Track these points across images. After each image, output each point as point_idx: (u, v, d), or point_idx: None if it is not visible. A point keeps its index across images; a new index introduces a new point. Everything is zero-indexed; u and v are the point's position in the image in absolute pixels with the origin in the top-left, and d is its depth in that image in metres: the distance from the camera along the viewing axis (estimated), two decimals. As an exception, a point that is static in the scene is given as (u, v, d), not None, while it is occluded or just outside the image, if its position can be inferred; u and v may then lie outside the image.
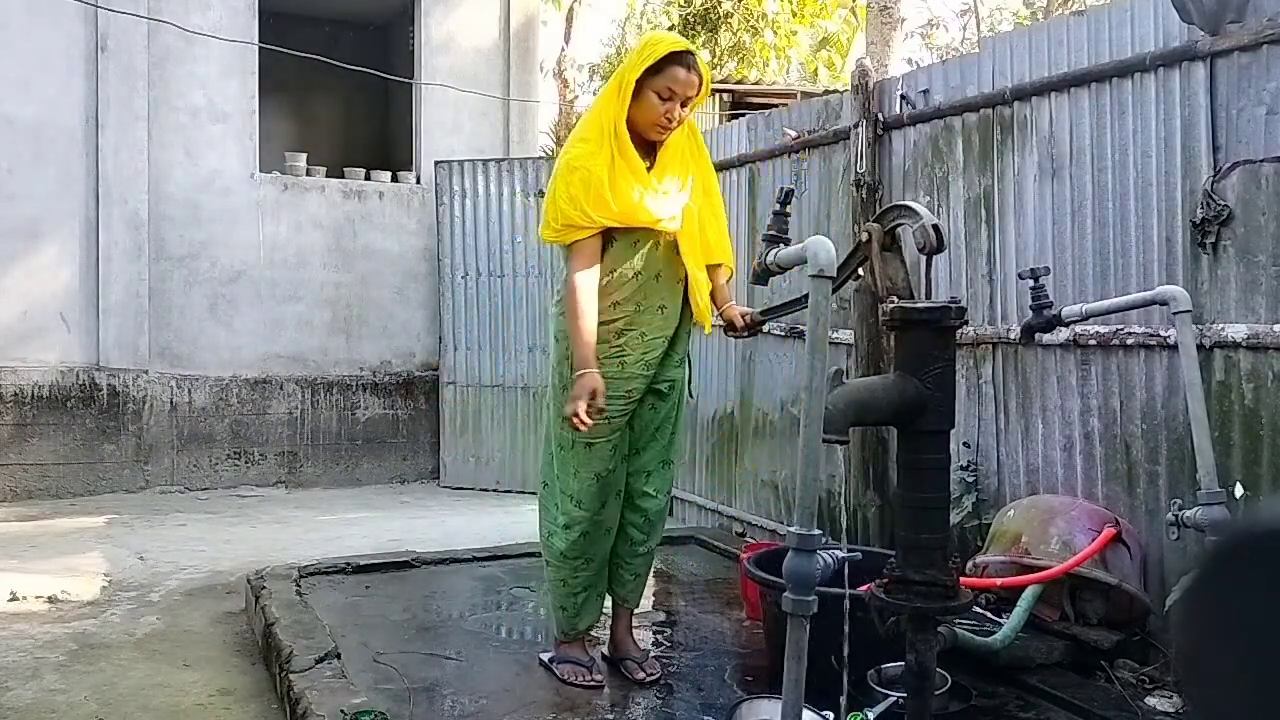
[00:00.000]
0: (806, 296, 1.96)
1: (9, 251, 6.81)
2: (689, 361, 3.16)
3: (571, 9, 17.02)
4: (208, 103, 7.38)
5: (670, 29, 14.62)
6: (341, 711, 2.69)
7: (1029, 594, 3.04)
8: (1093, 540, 3.01)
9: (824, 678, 2.35)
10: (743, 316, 3.03)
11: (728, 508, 5.33)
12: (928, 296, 2.26)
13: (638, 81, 2.79)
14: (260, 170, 7.58)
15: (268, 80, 7.69)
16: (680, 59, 2.79)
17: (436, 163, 7.69)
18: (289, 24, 8.09)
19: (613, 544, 3.10)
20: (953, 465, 2.71)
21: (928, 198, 3.98)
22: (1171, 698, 2.82)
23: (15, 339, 6.82)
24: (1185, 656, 0.55)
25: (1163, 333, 3.11)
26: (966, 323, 2.45)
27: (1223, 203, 2.96)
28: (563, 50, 17.27)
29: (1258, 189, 2.89)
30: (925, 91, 4.05)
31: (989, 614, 3.19)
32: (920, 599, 2.09)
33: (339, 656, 3.16)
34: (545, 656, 3.18)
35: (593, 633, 3.21)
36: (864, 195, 4.20)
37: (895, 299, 2.17)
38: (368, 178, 8.03)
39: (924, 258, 2.21)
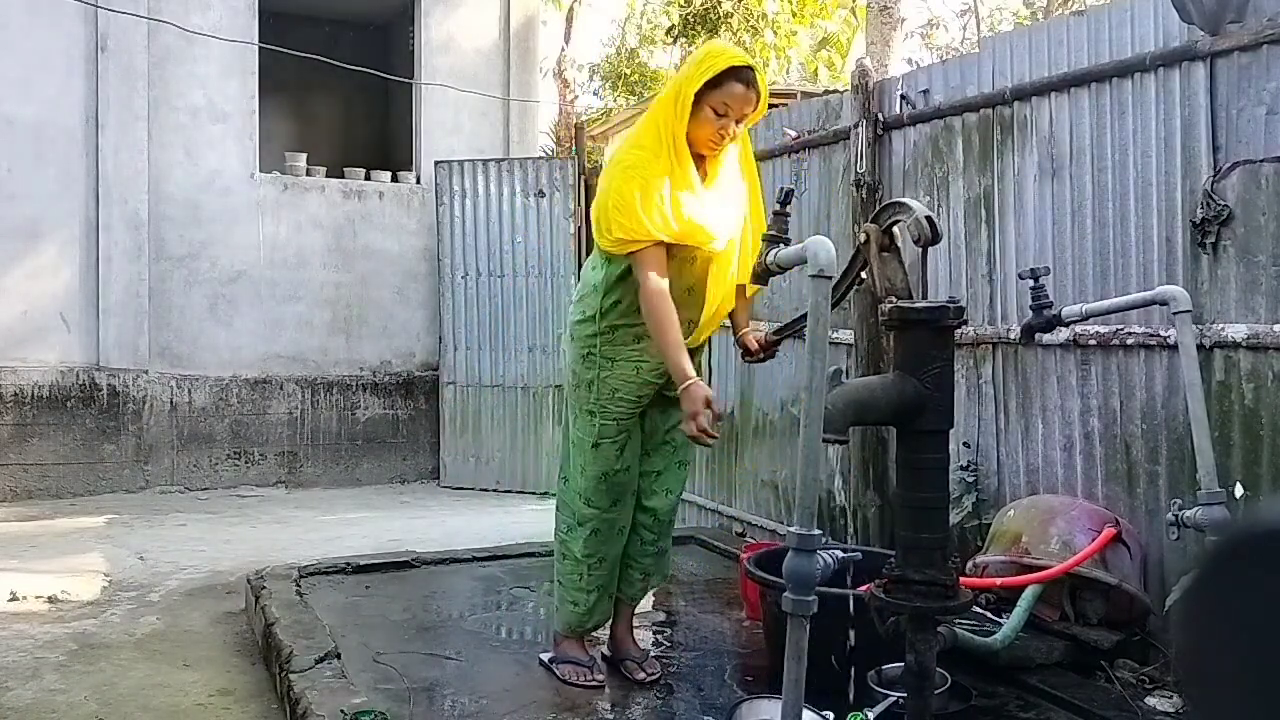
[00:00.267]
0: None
1: (9, 251, 6.81)
2: (709, 372, 3.14)
3: (571, 9, 17.03)
4: (208, 103, 7.38)
5: (670, 29, 14.62)
6: (341, 711, 2.69)
7: (1029, 594, 3.04)
8: (1093, 540, 3.01)
9: (824, 678, 2.35)
10: (758, 341, 2.98)
11: (728, 508, 5.33)
12: (924, 296, 2.26)
13: (695, 94, 2.70)
14: (260, 170, 7.59)
15: (268, 80, 7.69)
16: (740, 74, 2.70)
17: (436, 163, 7.69)
18: (289, 24, 8.09)
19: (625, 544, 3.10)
20: (953, 465, 2.71)
21: (928, 198, 3.98)
22: (1171, 698, 2.82)
23: (15, 339, 6.82)
24: (1185, 656, 0.55)
25: (1163, 333, 3.11)
26: (966, 322, 2.45)
27: (1223, 203, 2.96)
28: (563, 50, 17.28)
29: (1258, 189, 2.89)
30: (925, 91, 4.05)
31: (989, 614, 3.19)
32: (920, 599, 2.09)
33: (339, 656, 3.15)
34: (545, 656, 3.18)
35: (594, 633, 3.21)
36: (864, 195, 4.20)
37: (894, 299, 2.17)
38: (368, 178, 8.03)
39: (922, 258, 2.21)
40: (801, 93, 9.05)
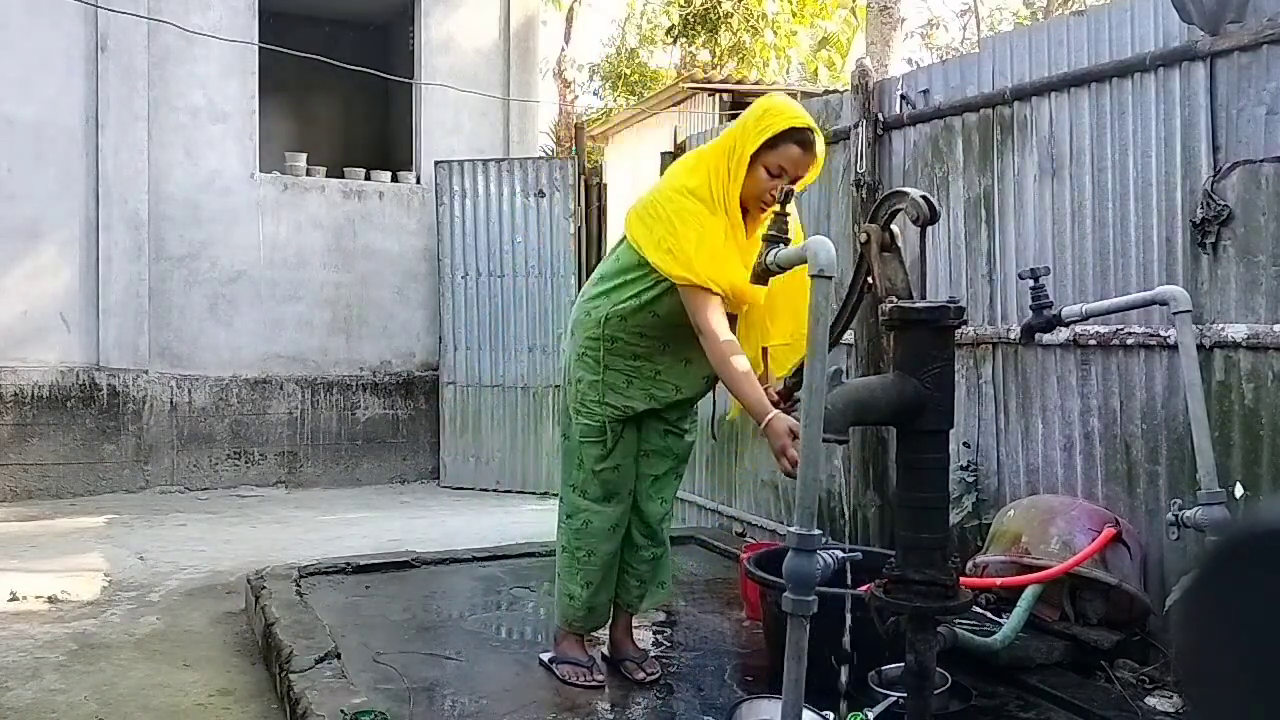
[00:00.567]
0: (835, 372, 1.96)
1: (9, 251, 6.81)
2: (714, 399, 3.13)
3: (571, 9, 17.04)
4: (208, 103, 7.38)
5: (670, 29, 14.62)
6: (341, 711, 2.69)
7: (1029, 594, 3.04)
8: (1093, 540, 3.01)
9: (824, 678, 2.35)
10: (777, 393, 2.79)
11: (728, 508, 5.33)
12: (923, 296, 2.26)
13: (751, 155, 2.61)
14: (260, 170, 7.59)
15: (268, 80, 7.69)
16: (798, 136, 2.62)
17: (436, 163, 7.69)
18: (289, 24, 8.09)
19: (620, 549, 3.10)
20: (953, 465, 2.71)
21: (934, 224, 3.98)
22: (1171, 698, 2.82)
23: (15, 339, 6.82)
24: (1185, 656, 0.55)
25: (1163, 333, 3.11)
26: (966, 322, 2.45)
27: (1223, 203, 2.96)
28: (563, 50, 17.29)
29: (1258, 189, 2.89)
30: (925, 91, 4.05)
31: (989, 614, 3.19)
32: (920, 599, 2.09)
33: (339, 656, 3.15)
34: (545, 656, 3.18)
35: (593, 632, 3.21)
36: (864, 195, 4.20)
37: (894, 299, 2.17)
38: (368, 178, 8.03)
39: (921, 259, 2.21)
40: (801, 93, 9.06)
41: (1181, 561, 3.04)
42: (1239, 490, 2.89)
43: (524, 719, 2.81)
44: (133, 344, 7.09)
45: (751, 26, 13.72)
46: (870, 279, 2.23)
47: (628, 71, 17.42)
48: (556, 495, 3.19)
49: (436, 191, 7.66)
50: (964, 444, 3.80)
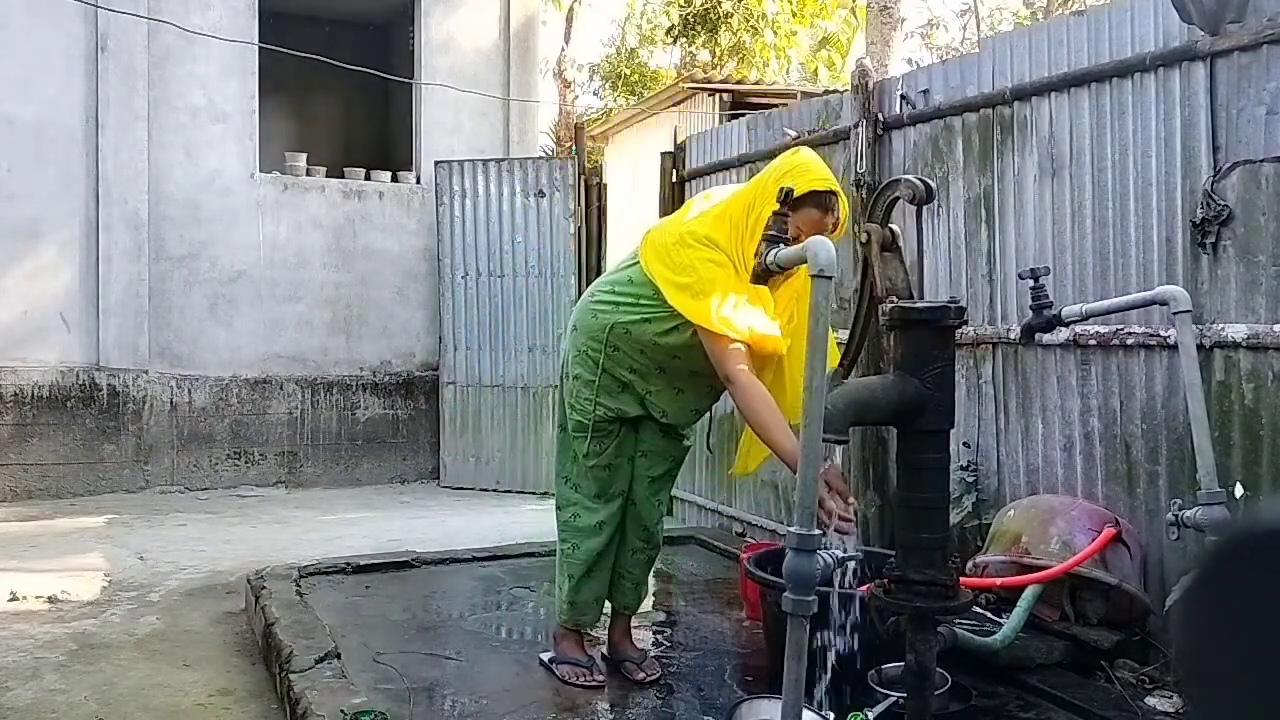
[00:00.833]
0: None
1: (9, 251, 6.81)
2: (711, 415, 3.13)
3: (571, 9, 17.04)
4: (208, 103, 7.38)
5: (670, 29, 14.62)
6: (341, 711, 2.69)
7: (1029, 594, 3.04)
8: (1093, 540, 3.01)
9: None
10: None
11: (728, 508, 5.33)
12: (921, 296, 2.26)
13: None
14: (260, 170, 7.59)
15: (268, 80, 7.69)
16: (819, 200, 2.58)
17: (436, 163, 7.69)
18: (289, 24, 8.09)
19: (614, 552, 3.09)
20: (953, 465, 2.71)
21: (930, 203, 3.98)
22: (1171, 698, 2.82)
23: (15, 339, 6.82)
24: (1185, 656, 0.55)
25: (1163, 333, 3.11)
26: (966, 323, 2.45)
27: (1223, 203, 2.96)
28: (563, 50, 17.29)
29: (1258, 189, 2.89)
30: (925, 91, 4.06)
31: (989, 614, 3.19)
32: (920, 599, 2.09)
33: (339, 656, 3.15)
34: (545, 657, 3.18)
35: (592, 632, 3.21)
36: (864, 195, 4.20)
37: (895, 299, 2.17)
38: (368, 178, 8.03)
39: (919, 259, 2.21)
40: (801, 93, 9.06)
41: (1181, 561, 3.04)
42: (1239, 490, 2.89)
43: (524, 719, 2.81)
44: (133, 344, 7.09)
45: (751, 26, 13.73)
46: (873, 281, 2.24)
47: (628, 71, 17.43)
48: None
49: (436, 191, 7.66)
50: (964, 444, 3.81)
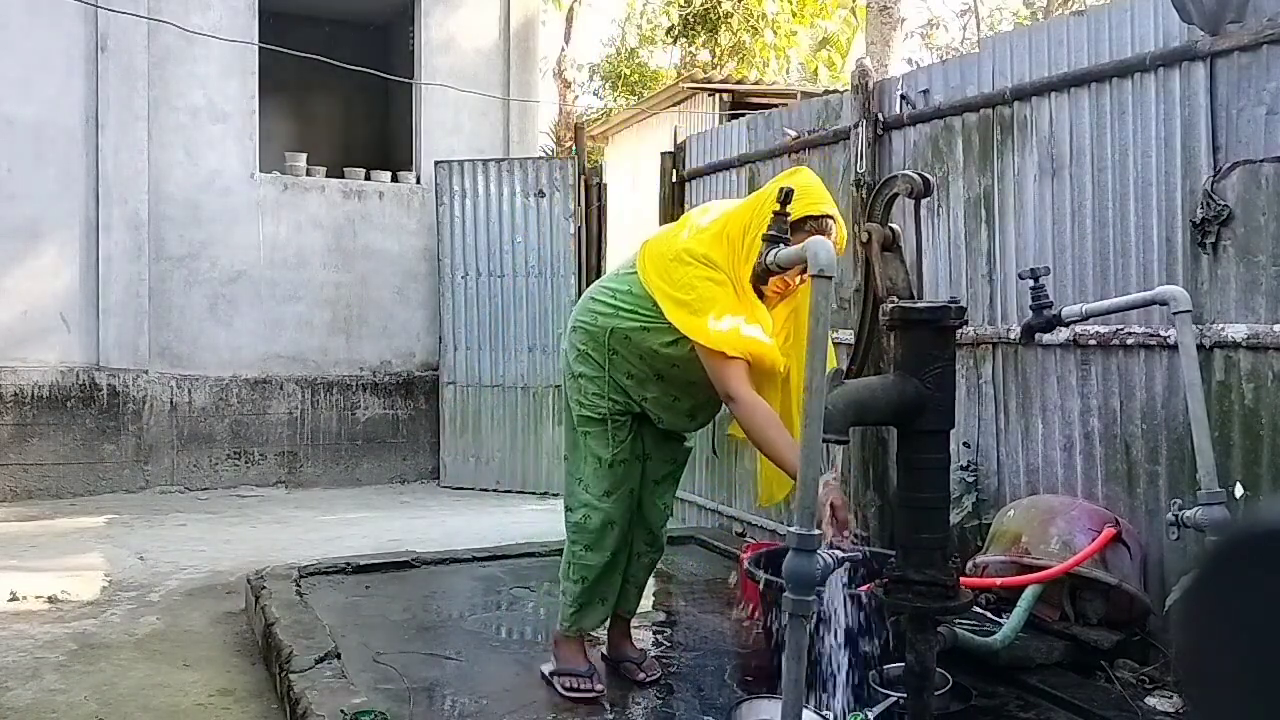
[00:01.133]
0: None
1: (9, 251, 6.81)
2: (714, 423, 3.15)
3: (571, 9, 17.04)
4: (208, 103, 7.38)
5: (670, 29, 14.63)
6: (341, 711, 2.69)
7: (1029, 594, 3.04)
8: (1093, 540, 3.01)
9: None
10: None
11: (728, 508, 5.33)
12: (920, 258, 2.26)
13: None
14: (260, 170, 7.59)
15: (268, 80, 7.69)
16: (816, 223, 2.58)
17: (436, 163, 7.69)
18: (289, 24, 8.09)
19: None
20: (953, 465, 2.71)
21: (928, 197, 3.98)
22: (1171, 698, 2.82)
23: (15, 339, 6.82)
24: (1185, 656, 0.55)
25: (1163, 333, 3.11)
26: (966, 323, 2.45)
27: (1223, 203, 2.96)
28: (563, 50, 17.29)
29: (1258, 189, 2.89)
30: (925, 91, 4.06)
31: (989, 614, 3.19)
32: (920, 599, 2.09)
33: (339, 656, 3.15)
34: (546, 669, 3.12)
35: (592, 633, 3.21)
36: (864, 195, 4.20)
37: (895, 299, 2.17)
38: (368, 178, 8.03)
39: (918, 260, 2.21)
40: (801, 93, 9.07)
41: (1181, 561, 3.04)
42: (1239, 490, 2.89)
43: (524, 719, 2.81)
44: (133, 344, 7.09)
45: (751, 26, 13.73)
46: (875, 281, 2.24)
47: (628, 71, 17.44)
48: (557, 495, 3.19)
49: (436, 191, 7.66)
50: (964, 444, 3.81)
